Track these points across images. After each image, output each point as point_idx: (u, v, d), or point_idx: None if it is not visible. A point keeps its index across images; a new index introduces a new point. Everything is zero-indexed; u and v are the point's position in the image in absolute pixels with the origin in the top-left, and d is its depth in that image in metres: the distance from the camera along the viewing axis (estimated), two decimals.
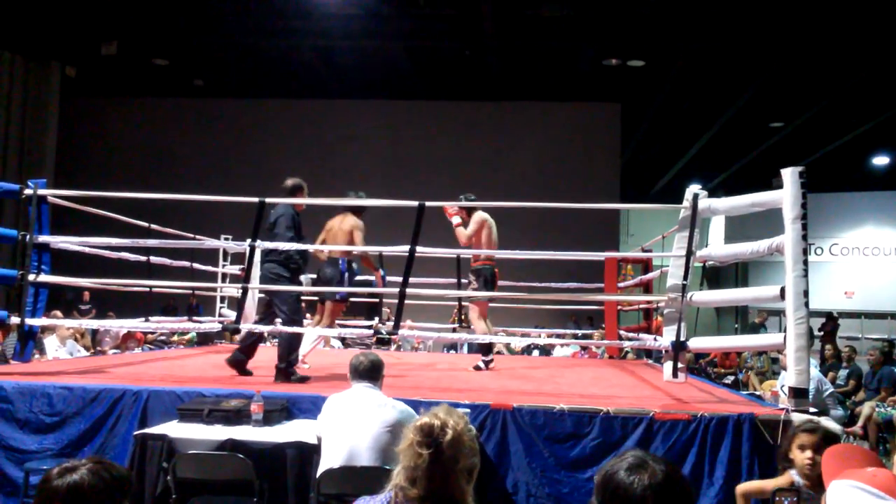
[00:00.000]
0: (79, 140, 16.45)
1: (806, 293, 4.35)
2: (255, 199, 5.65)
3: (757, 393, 8.77)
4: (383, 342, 10.71)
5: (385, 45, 13.96)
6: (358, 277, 7.16)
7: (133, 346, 11.15)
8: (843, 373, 9.85)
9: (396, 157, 16.33)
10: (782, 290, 4.47)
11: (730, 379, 11.57)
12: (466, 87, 16.42)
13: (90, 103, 16.83)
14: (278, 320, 5.76)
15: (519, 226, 12.34)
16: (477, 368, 6.84)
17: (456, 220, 6.81)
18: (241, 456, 3.79)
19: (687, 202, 5.23)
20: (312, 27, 12.99)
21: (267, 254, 5.77)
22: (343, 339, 10.67)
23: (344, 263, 6.60)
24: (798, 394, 4.27)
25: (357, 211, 6.79)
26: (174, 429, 4.17)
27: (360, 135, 16.45)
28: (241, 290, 5.98)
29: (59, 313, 10.00)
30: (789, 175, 4.48)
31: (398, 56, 14.49)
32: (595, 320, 13.06)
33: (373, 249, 6.94)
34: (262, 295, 6.71)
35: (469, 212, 6.90)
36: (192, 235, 8.31)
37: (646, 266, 8.76)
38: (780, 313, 5.33)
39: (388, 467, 3.39)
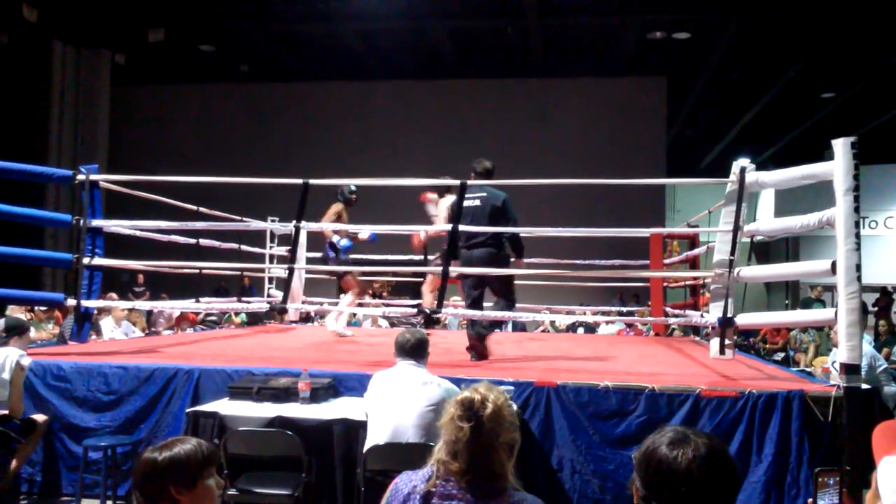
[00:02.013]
0: (129, 126, 16.79)
1: (858, 267, 4.25)
2: (300, 181, 5.72)
3: (807, 369, 8.62)
4: (430, 321, 10.78)
5: (426, 25, 13.92)
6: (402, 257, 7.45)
7: (186, 326, 11.42)
8: None
9: (440, 137, 16.31)
10: (833, 265, 4.37)
11: (780, 355, 11.38)
12: (509, 66, 16.29)
13: (139, 90, 17.16)
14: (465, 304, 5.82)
15: (564, 203, 12.27)
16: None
17: (430, 209, 6.86)
18: (289, 433, 3.88)
19: (734, 176, 5.14)
20: (353, 9, 13.01)
21: (479, 235, 5.58)
22: (389, 318, 10.77)
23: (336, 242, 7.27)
24: (850, 370, 4.19)
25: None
26: (225, 406, 4.28)
27: (403, 115, 16.46)
28: (287, 271, 6.06)
29: (114, 295, 10.29)
30: (841, 146, 4.36)
31: (439, 36, 14.43)
32: (641, 297, 12.94)
33: (418, 229, 7.01)
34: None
35: (441, 193, 6.84)
36: (239, 218, 8.45)
37: (692, 242, 8.64)
38: (833, 288, 5.21)
39: (432, 444, 3.43)
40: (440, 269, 5.66)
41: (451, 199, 6.78)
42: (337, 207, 7.35)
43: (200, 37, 15.03)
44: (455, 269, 5.69)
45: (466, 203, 5.62)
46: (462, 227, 5.53)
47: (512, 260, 5.84)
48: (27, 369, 4.79)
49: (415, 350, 3.90)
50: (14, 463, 4.73)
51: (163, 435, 4.72)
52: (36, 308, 9.89)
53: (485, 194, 5.64)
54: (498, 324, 5.86)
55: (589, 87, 16.49)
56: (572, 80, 16.54)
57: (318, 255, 8.75)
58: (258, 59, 16.31)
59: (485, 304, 5.94)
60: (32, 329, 8.79)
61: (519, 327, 11.42)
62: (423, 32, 14.36)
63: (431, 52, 15.45)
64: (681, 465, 1.53)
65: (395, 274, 10.40)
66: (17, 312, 8.63)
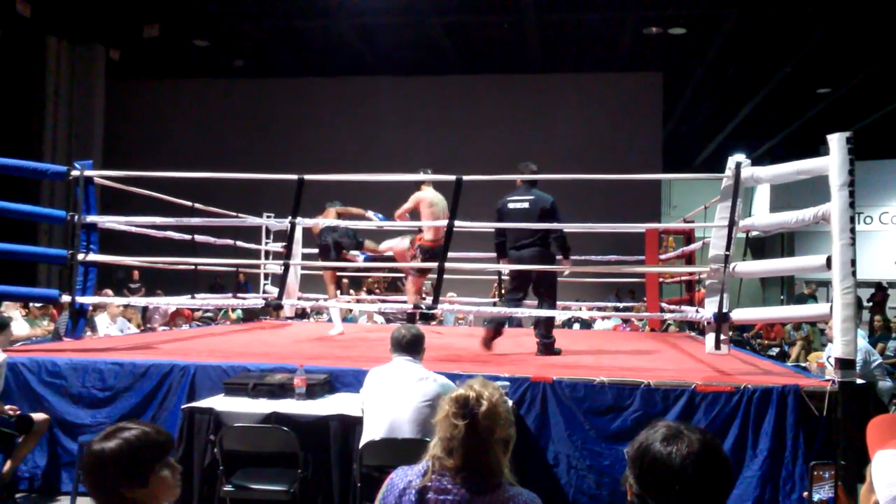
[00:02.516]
0: (124, 122, 16.75)
1: (853, 262, 4.25)
2: (295, 177, 5.71)
3: (802, 364, 8.64)
4: (427, 317, 10.77)
5: (423, 21, 13.89)
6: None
7: (181, 322, 11.40)
8: (892, 344, 9.63)
9: (436, 132, 16.30)
10: (828, 260, 4.38)
11: (775, 351, 11.40)
12: (506, 61, 16.28)
13: (134, 85, 17.11)
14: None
15: (560, 198, 12.24)
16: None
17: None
18: (285, 429, 3.87)
19: (729, 171, 5.14)
20: (350, 4, 12.97)
21: (528, 236, 5.80)
22: (385, 314, 10.77)
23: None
24: (845, 364, 4.20)
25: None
26: (221, 402, 4.27)
27: (400, 111, 16.45)
28: (283, 267, 6.05)
29: (109, 292, 10.27)
30: (836, 141, 4.36)
31: (436, 31, 14.41)
32: (637, 293, 12.95)
33: (413, 225, 7.03)
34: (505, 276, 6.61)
35: (417, 186, 6.95)
36: (234, 214, 8.43)
37: (688, 237, 8.65)
38: (828, 284, 5.22)
39: (428, 440, 3.42)
40: (431, 265, 5.68)
41: (427, 191, 6.85)
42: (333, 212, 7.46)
43: (195, 32, 14.98)
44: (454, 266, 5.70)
45: (512, 205, 5.86)
46: (454, 225, 5.53)
47: (559, 258, 6.06)
48: (2, 366, 4.76)
49: (411, 346, 3.90)
50: (10, 463, 4.71)
51: None
52: (31, 304, 9.86)
53: (533, 197, 5.84)
54: (553, 325, 6.16)
55: (585, 83, 16.49)
56: (569, 76, 16.54)
57: (315, 251, 8.76)
58: (254, 54, 16.27)
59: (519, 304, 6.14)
60: (28, 325, 8.81)
61: (515, 323, 11.41)
62: (421, 27, 14.33)
63: (429, 48, 15.43)
64: (675, 461, 1.53)
65: (390, 270, 10.39)
66: (11, 309, 8.61)
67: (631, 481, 1.60)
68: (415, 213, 7.11)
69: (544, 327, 5.95)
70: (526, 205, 5.82)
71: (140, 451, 1.85)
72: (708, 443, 1.57)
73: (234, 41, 15.53)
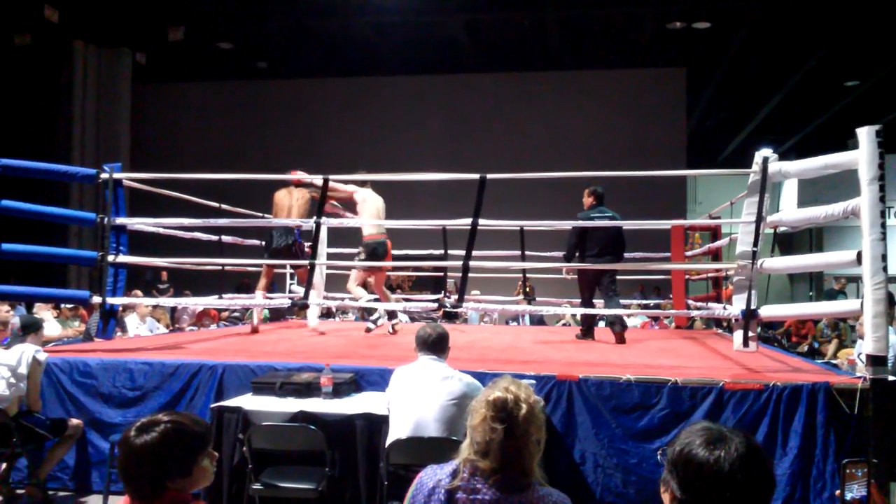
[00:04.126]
0: (150, 125, 16.93)
1: (884, 257, 4.20)
2: (320, 177, 5.75)
3: (833, 362, 8.52)
4: (451, 315, 10.77)
5: (442, 20, 13.88)
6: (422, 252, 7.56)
7: (208, 322, 11.51)
8: None
9: (457, 131, 16.29)
10: (859, 255, 4.33)
11: (805, 347, 11.25)
12: (526, 59, 16.22)
13: (160, 88, 17.28)
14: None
15: (583, 196, 12.21)
16: (368, 331, 7.24)
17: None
18: (312, 427, 3.90)
19: (756, 166, 5.09)
20: (370, 3, 13.00)
21: (616, 246, 6.71)
22: (409, 313, 10.79)
23: (297, 232, 7.32)
24: (876, 361, 4.14)
25: (305, 185, 7.32)
26: (248, 401, 4.31)
27: (421, 110, 16.45)
28: (308, 267, 6.08)
29: (139, 292, 10.41)
30: (865, 134, 4.31)
31: (456, 29, 14.40)
32: (662, 290, 12.86)
33: (437, 223, 7.05)
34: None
35: (363, 185, 7.20)
36: (260, 214, 8.49)
37: (714, 234, 8.58)
38: (858, 279, 5.16)
39: (454, 438, 3.44)
40: (458, 263, 5.68)
41: (366, 192, 7.10)
42: (307, 195, 7.36)
43: (219, 35, 15.11)
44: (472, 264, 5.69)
45: (597, 221, 6.55)
46: (478, 223, 5.54)
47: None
48: (44, 364, 4.89)
49: (436, 345, 3.91)
50: (43, 465, 4.80)
51: None
52: (62, 306, 10.02)
53: (611, 213, 6.69)
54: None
55: (608, 79, 16.37)
56: (590, 73, 16.43)
57: (341, 250, 8.80)
58: (276, 55, 16.37)
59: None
60: (59, 326, 8.95)
61: (536, 320, 11.38)
62: (440, 26, 14.32)
63: (448, 47, 15.41)
64: (723, 466, 1.49)
65: (414, 269, 10.42)
66: (43, 310, 8.75)
67: (673, 485, 1.55)
68: (350, 207, 7.41)
69: (621, 321, 6.89)
70: (608, 221, 6.58)
71: (185, 442, 1.86)
72: (752, 445, 1.53)
73: (257, 43, 15.64)
